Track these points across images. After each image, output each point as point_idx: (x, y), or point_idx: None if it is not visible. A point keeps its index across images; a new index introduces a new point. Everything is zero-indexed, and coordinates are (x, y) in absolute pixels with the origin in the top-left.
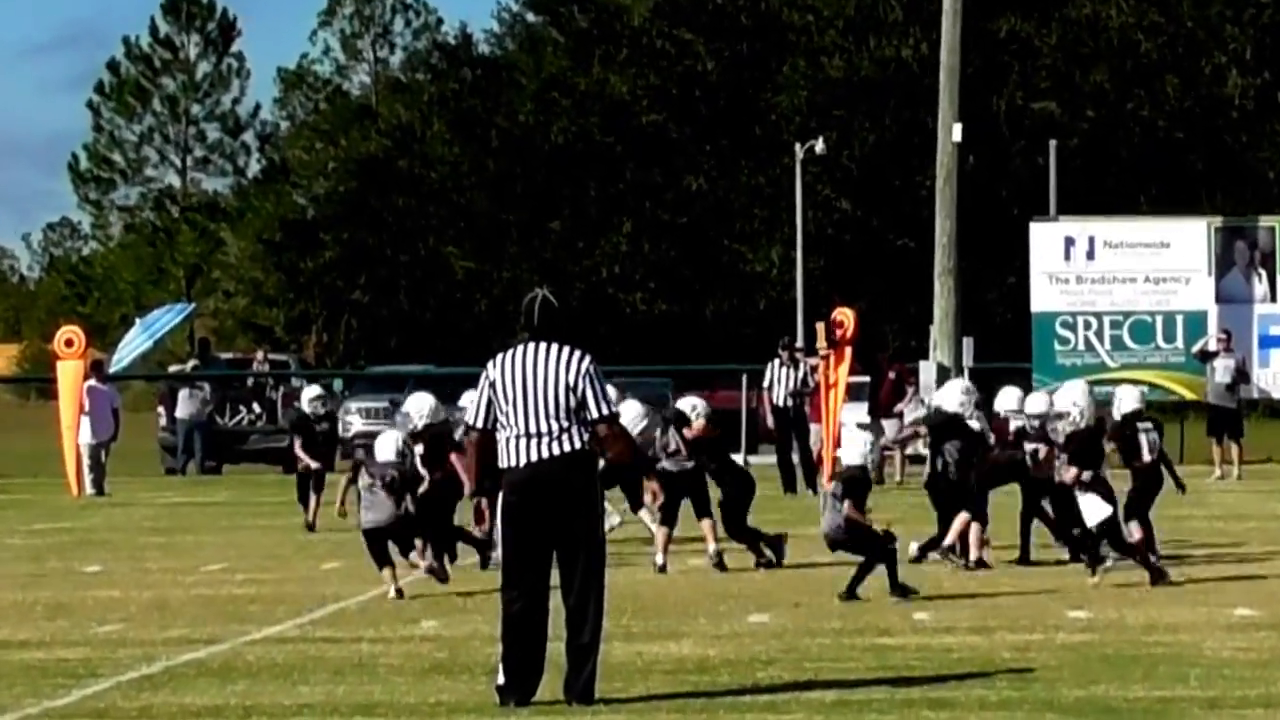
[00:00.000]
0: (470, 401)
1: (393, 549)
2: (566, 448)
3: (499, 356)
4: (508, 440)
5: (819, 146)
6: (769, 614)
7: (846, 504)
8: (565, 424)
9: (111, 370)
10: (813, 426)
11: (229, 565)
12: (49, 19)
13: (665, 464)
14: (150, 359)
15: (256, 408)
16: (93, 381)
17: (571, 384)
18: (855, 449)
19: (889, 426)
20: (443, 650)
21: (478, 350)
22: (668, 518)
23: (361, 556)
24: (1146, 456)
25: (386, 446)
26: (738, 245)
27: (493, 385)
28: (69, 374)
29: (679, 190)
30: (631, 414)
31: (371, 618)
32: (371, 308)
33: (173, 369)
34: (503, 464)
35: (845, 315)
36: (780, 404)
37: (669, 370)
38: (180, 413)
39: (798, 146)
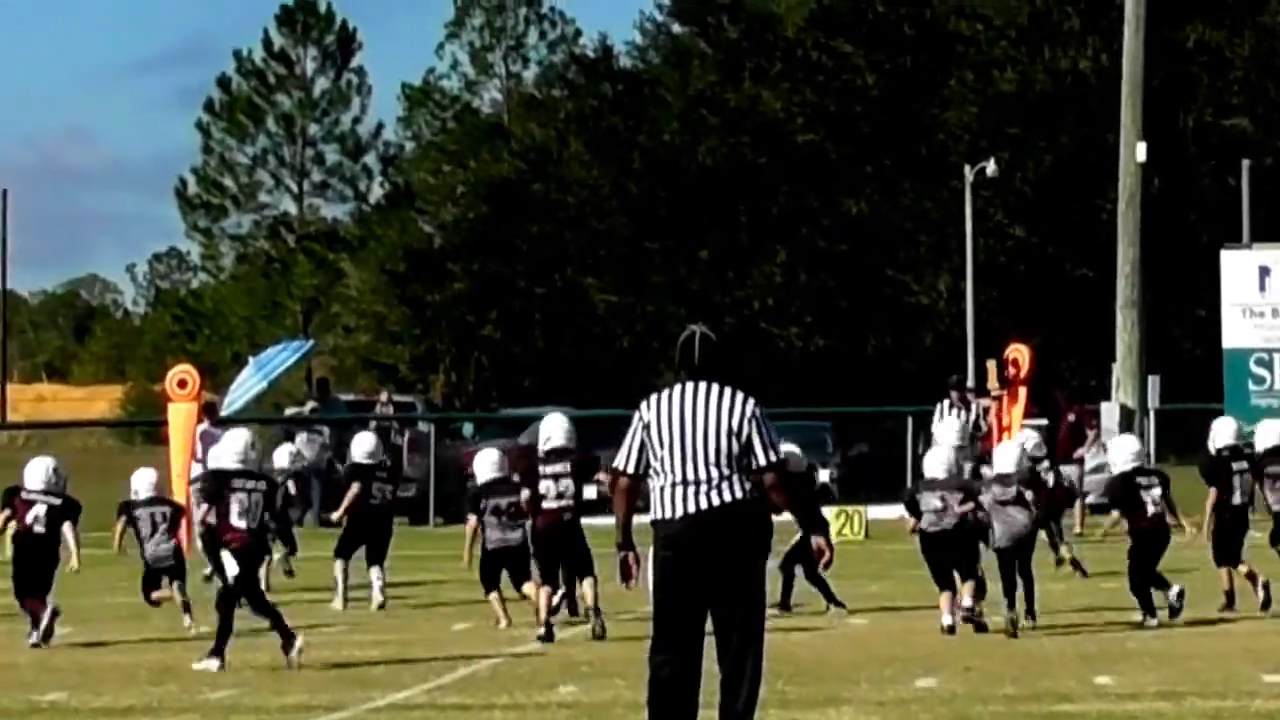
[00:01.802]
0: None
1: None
2: (727, 497)
3: (653, 397)
4: (662, 489)
5: (990, 167)
6: (937, 678)
7: (1030, 498)
8: (726, 471)
9: (224, 413)
10: (985, 472)
11: (351, 625)
12: (155, 32)
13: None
14: (265, 401)
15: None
16: (205, 425)
17: (735, 428)
18: (1010, 457)
19: (1068, 473)
20: (582, 718)
21: (619, 391)
22: (946, 580)
23: (491, 618)
24: (1237, 499)
25: (145, 481)
26: (902, 275)
27: (647, 428)
28: (181, 417)
29: (837, 215)
30: None
31: (504, 682)
32: (504, 345)
33: (289, 412)
34: (656, 515)
35: (1019, 352)
36: None
37: (827, 413)
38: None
39: (967, 168)
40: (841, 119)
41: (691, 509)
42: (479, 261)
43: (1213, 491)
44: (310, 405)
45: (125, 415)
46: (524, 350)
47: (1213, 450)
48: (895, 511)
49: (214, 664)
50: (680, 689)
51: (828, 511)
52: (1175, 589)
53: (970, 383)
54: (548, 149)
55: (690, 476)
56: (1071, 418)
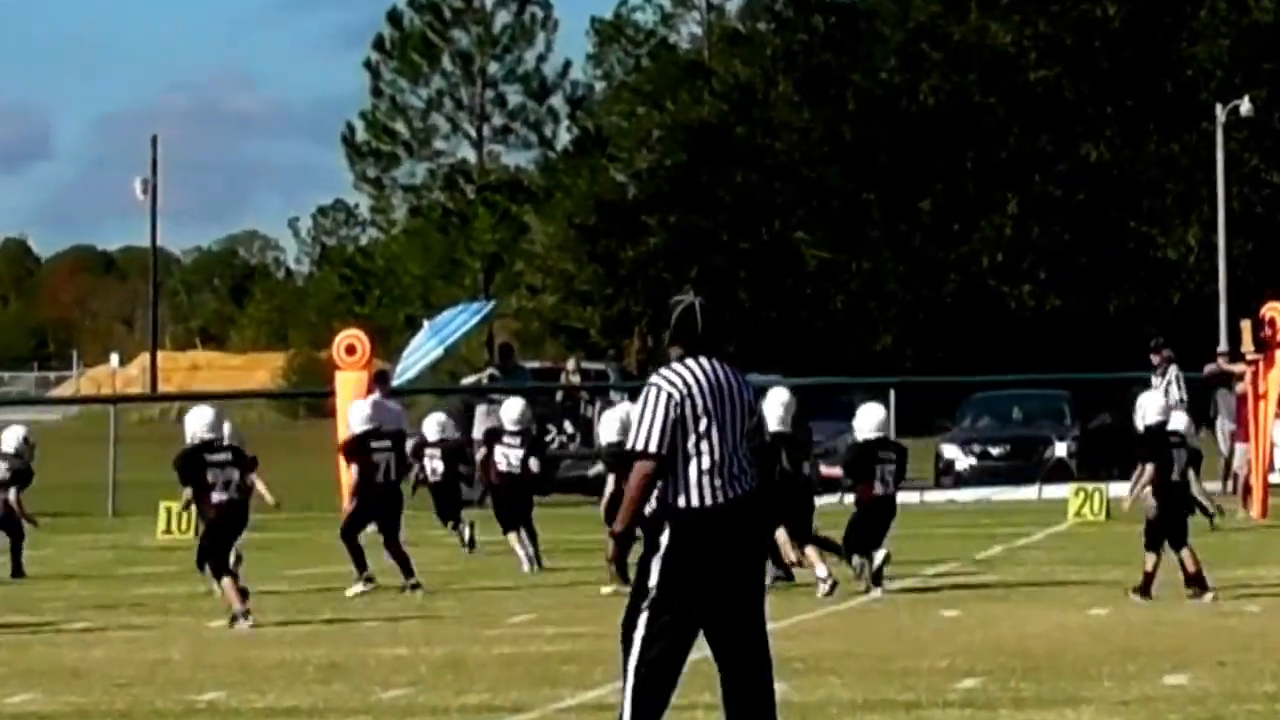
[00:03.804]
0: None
1: None
2: (754, 482)
3: (671, 374)
4: (699, 473)
5: (1244, 107)
6: (1187, 674)
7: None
8: (748, 454)
9: (396, 382)
10: (1238, 446)
11: (537, 617)
12: None
13: None
14: (441, 368)
15: (569, 427)
16: (376, 396)
17: (753, 405)
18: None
19: None
20: (795, 717)
21: (832, 356)
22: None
23: None
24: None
25: (10, 440)
26: (1146, 227)
27: (679, 404)
28: (349, 387)
29: (1074, 161)
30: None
31: (707, 680)
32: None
33: (467, 380)
34: (687, 503)
35: (1277, 310)
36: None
37: (1065, 380)
38: (477, 433)
39: (1218, 107)
40: (1079, 54)
41: (732, 494)
42: (677, 214)
43: (1149, 468)
44: (490, 373)
45: (288, 385)
46: (727, 312)
47: (1141, 426)
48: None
49: None
50: (673, 677)
51: (1065, 489)
52: (882, 553)
53: (1223, 345)
54: (752, 89)
55: (727, 460)
56: None
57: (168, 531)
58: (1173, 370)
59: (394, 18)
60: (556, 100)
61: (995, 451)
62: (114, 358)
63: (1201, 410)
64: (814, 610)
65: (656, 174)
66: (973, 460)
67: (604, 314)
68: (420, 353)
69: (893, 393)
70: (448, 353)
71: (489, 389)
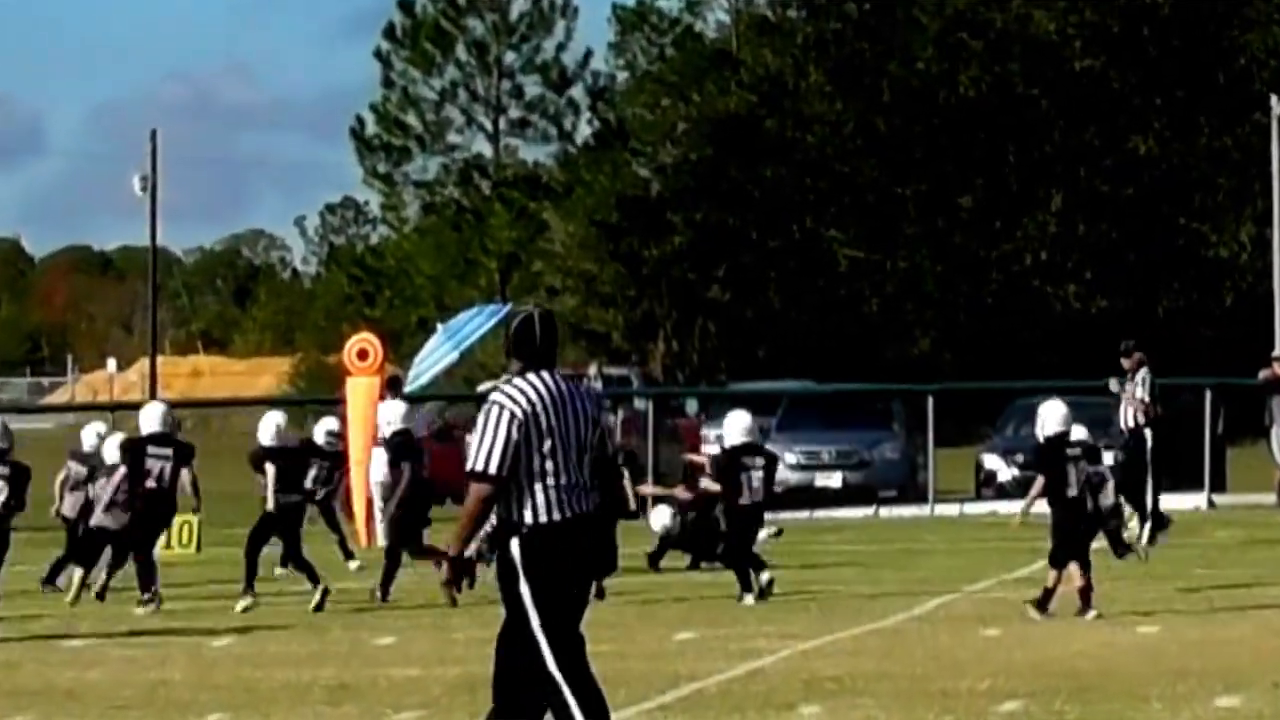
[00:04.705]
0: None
1: None
2: (597, 498)
3: (515, 391)
4: (546, 490)
5: None
6: (1241, 696)
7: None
8: (591, 469)
9: (409, 388)
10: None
11: None
12: None
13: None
14: (456, 374)
15: None
16: (388, 402)
17: (596, 418)
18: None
19: None
20: None
21: (865, 361)
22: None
23: (730, 626)
24: (1072, 490)
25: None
26: (1197, 224)
27: (524, 424)
28: (361, 394)
29: (1122, 155)
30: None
31: (736, 701)
32: (733, 308)
33: (483, 387)
34: (538, 520)
35: None
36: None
37: None
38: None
39: (1272, 98)
40: (1126, 42)
41: (576, 510)
42: (703, 211)
43: (1039, 480)
44: (506, 379)
45: (295, 391)
46: (756, 314)
47: (1041, 437)
48: (1191, 501)
49: None
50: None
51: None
52: (767, 574)
53: (1278, 349)
54: (783, 79)
55: (574, 478)
56: None
57: (168, 547)
58: (1141, 374)
59: (406, 5)
60: (576, 91)
61: None
62: (111, 363)
63: (1255, 418)
64: (849, 629)
65: (682, 169)
66: (1015, 471)
67: (627, 316)
68: (434, 357)
69: (930, 399)
70: (463, 357)
71: None
